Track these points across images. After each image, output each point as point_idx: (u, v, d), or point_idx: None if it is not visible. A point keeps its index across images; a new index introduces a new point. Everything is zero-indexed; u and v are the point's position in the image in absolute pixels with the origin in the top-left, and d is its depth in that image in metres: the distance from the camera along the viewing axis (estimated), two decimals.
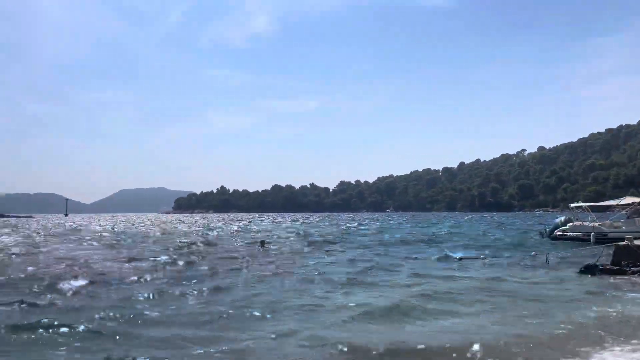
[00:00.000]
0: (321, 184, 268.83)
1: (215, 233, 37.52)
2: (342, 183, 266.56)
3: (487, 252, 20.02)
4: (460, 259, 17.79)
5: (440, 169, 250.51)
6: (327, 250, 20.85)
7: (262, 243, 23.60)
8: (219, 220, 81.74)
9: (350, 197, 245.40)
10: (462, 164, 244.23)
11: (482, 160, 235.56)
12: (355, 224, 54.18)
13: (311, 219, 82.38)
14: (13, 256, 18.92)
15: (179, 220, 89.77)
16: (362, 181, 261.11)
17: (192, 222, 70.56)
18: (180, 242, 27.18)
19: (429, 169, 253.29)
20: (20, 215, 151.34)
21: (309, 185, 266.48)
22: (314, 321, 7.94)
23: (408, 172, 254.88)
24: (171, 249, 21.27)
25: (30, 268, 14.88)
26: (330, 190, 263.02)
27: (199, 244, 25.12)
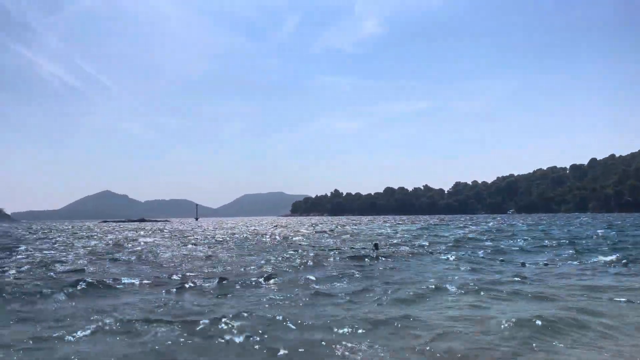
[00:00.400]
0: (435, 185, 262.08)
1: (332, 235, 38.17)
2: (457, 184, 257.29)
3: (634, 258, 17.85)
4: (608, 264, 16.16)
5: (568, 167, 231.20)
6: (447, 254, 20.06)
7: (376, 246, 23.45)
8: (334, 223, 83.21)
9: (467, 199, 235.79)
10: (593, 160, 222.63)
11: (617, 155, 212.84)
12: (477, 227, 51.73)
13: (431, 221, 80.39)
14: (154, 257, 20.90)
15: (298, 222, 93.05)
16: (479, 181, 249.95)
17: (309, 225, 72.64)
18: (302, 244, 28.09)
19: (554, 167, 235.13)
20: (158, 219, 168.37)
21: (422, 187, 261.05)
22: (453, 331, 7.63)
23: (531, 171, 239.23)
24: (296, 251, 22.05)
25: (171, 267, 16.31)
26: (445, 192, 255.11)
27: (320, 246, 25.72)
